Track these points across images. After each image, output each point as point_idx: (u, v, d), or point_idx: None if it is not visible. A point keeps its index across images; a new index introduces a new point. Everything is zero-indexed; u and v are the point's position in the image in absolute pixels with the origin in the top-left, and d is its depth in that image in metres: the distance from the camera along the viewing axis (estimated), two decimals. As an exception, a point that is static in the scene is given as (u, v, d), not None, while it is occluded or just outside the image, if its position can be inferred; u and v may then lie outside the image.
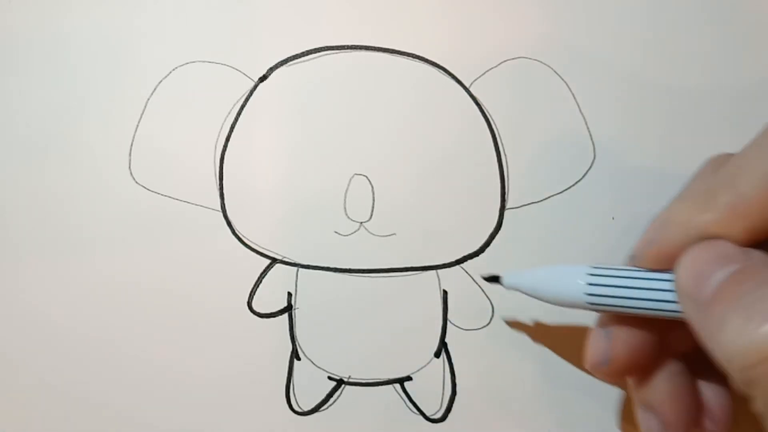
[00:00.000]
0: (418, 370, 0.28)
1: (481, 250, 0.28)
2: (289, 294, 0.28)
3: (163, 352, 0.28)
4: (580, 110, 0.29)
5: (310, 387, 0.28)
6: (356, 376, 0.28)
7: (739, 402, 0.21)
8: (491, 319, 0.28)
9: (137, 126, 0.29)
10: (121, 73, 0.29)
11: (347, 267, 0.28)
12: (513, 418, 0.28)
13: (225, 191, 0.29)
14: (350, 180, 0.28)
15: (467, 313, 0.28)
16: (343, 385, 0.28)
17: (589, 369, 0.24)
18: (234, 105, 0.29)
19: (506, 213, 0.28)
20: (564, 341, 0.28)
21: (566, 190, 0.29)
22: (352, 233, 0.28)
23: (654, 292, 0.21)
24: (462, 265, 0.28)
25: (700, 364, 0.23)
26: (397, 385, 0.28)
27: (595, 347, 0.23)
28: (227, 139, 0.29)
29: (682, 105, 0.29)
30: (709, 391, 0.24)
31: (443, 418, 0.28)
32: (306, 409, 0.28)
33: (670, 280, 0.21)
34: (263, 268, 0.28)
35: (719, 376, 0.23)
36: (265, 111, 0.29)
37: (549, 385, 0.28)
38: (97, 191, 0.28)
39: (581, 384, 0.28)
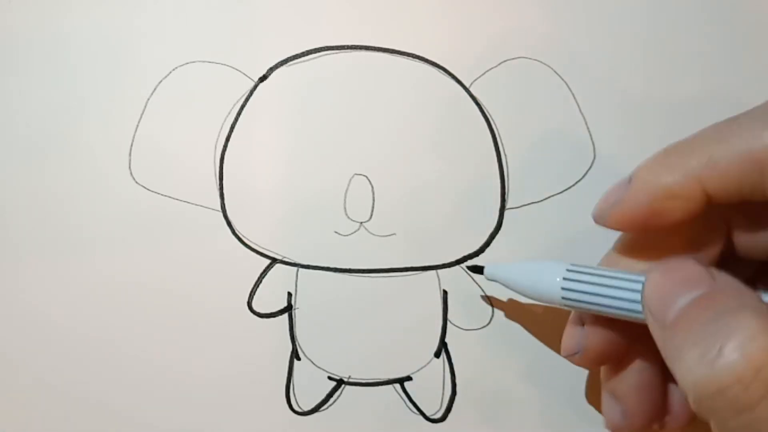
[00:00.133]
0: (418, 370, 0.28)
1: (481, 250, 0.28)
2: (289, 294, 0.28)
3: (163, 352, 0.28)
4: (580, 110, 0.29)
5: (310, 387, 0.28)
6: (356, 376, 0.28)
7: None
8: (491, 319, 0.28)
9: (137, 126, 0.29)
10: (121, 73, 0.29)
11: (347, 267, 0.28)
12: (513, 418, 0.28)
13: (225, 191, 0.29)
14: (350, 180, 0.28)
15: (467, 313, 0.28)
16: (343, 385, 0.28)
17: (562, 356, 0.25)
18: (234, 105, 0.29)
19: (506, 213, 0.28)
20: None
21: (566, 190, 0.29)
22: (352, 233, 0.28)
23: (627, 295, 0.21)
24: (462, 265, 0.28)
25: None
26: (397, 385, 0.28)
27: (570, 337, 0.24)
28: (227, 139, 0.29)
29: (682, 105, 0.29)
30: (676, 393, 0.24)
31: (443, 418, 0.28)
32: (306, 409, 0.28)
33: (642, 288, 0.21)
34: (263, 268, 0.28)
35: None
36: (265, 111, 0.29)
37: (549, 385, 0.28)
38: (97, 191, 0.28)
39: (581, 384, 0.28)
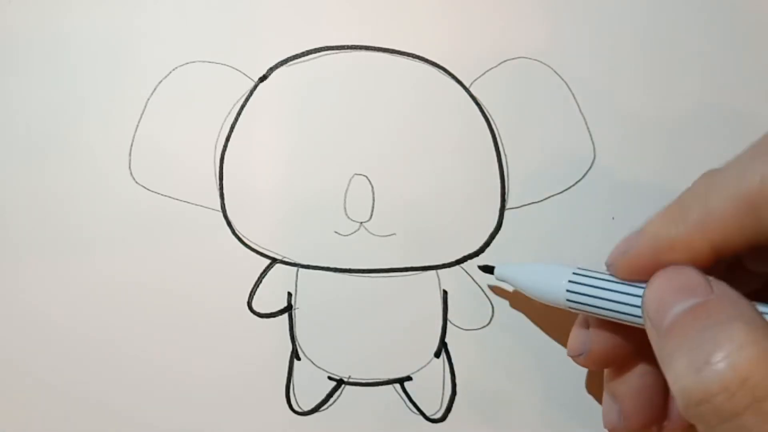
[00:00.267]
0: (418, 370, 0.28)
1: (481, 250, 0.28)
2: (289, 294, 0.28)
3: (163, 352, 0.28)
4: (580, 110, 0.29)
5: (310, 387, 0.28)
6: (356, 376, 0.28)
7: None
8: (491, 319, 0.28)
9: (137, 126, 0.29)
10: (121, 73, 0.29)
11: (347, 267, 0.28)
12: (513, 418, 0.28)
13: (225, 191, 0.29)
14: (350, 180, 0.28)
15: (467, 313, 0.28)
16: (343, 385, 0.28)
17: (568, 356, 0.25)
18: (234, 105, 0.29)
19: (506, 213, 0.28)
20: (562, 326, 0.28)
21: (566, 190, 0.29)
22: (352, 233, 0.28)
23: (629, 300, 0.22)
24: (462, 265, 0.28)
25: None
26: (397, 385, 0.28)
27: (575, 338, 0.25)
28: (227, 139, 0.29)
29: (682, 105, 0.29)
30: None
31: (443, 418, 0.28)
32: (306, 409, 0.28)
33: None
34: (263, 268, 0.28)
35: None
36: (265, 111, 0.29)
37: (549, 385, 0.28)
38: (97, 191, 0.28)
39: (581, 384, 0.28)
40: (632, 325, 0.22)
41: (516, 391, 0.28)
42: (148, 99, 0.29)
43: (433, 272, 0.29)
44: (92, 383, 0.28)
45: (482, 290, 0.28)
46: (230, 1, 0.29)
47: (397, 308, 0.28)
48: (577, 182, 0.29)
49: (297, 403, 0.28)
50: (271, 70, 0.29)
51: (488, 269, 0.27)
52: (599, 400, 0.28)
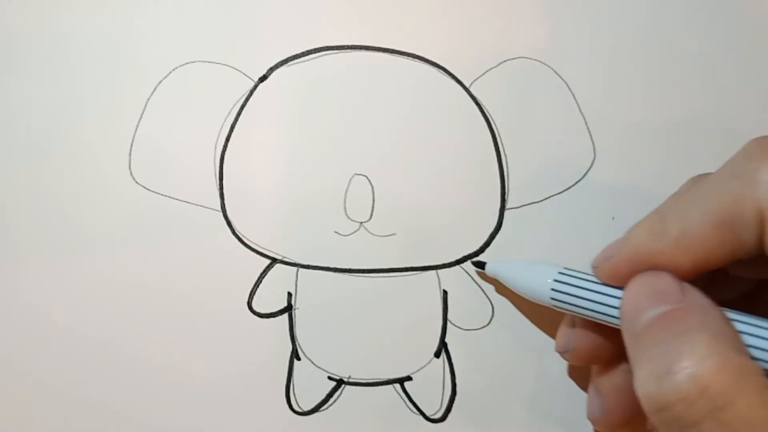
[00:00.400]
0: (418, 370, 0.28)
1: (481, 250, 0.28)
2: (289, 294, 0.28)
3: (163, 352, 0.28)
4: (580, 110, 0.29)
5: (310, 387, 0.28)
6: (356, 376, 0.28)
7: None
8: (491, 319, 0.28)
9: (137, 126, 0.29)
10: (121, 73, 0.29)
11: (347, 267, 0.28)
12: (513, 418, 0.28)
13: (225, 191, 0.29)
14: (350, 180, 0.28)
15: (467, 313, 0.28)
16: (343, 385, 0.28)
17: (556, 351, 0.26)
18: (234, 105, 0.29)
19: (506, 213, 0.28)
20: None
21: (566, 190, 0.29)
22: (352, 233, 0.28)
23: (610, 302, 0.22)
24: (462, 265, 0.28)
25: None
26: (397, 385, 0.28)
27: (562, 335, 0.26)
28: (227, 139, 0.29)
29: (682, 105, 0.29)
30: None
31: (443, 418, 0.28)
32: (306, 409, 0.28)
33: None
34: (263, 268, 0.28)
35: None
36: (265, 111, 0.29)
37: (549, 385, 0.28)
38: (97, 191, 0.28)
39: (581, 384, 0.28)
40: (612, 326, 0.23)
41: (516, 391, 0.28)
42: (148, 99, 0.29)
43: (433, 272, 0.29)
44: (92, 383, 0.28)
45: (482, 290, 0.28)
46: (230, 1, 0.29)
47: (397, 308, 0.28)
48: (577, 182, 0.29)
49: (297, 403, 0.28)
50: (271, 70, 0.29)
51: (480, 265, 0.27)
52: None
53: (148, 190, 0.28)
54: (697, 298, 0.20)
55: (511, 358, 0.28)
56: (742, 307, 0.24)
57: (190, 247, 0.28)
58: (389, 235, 0.28)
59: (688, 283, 0.21)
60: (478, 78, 0.29)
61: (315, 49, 0.29)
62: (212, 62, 0.29)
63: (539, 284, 0.24)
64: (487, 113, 0.29)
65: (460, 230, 0.28)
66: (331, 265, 0.28)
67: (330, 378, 0.28)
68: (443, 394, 0.28)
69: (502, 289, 0.28)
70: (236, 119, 0.29)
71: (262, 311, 0.28)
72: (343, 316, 0.28)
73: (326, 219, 0.28)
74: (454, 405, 0.28)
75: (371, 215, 0.28)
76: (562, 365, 0.28)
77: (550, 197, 0.29)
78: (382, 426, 0.28)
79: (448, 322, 0.28)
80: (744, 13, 0.29)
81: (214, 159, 0.29)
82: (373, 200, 0.28)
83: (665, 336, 0.19)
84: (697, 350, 0.18)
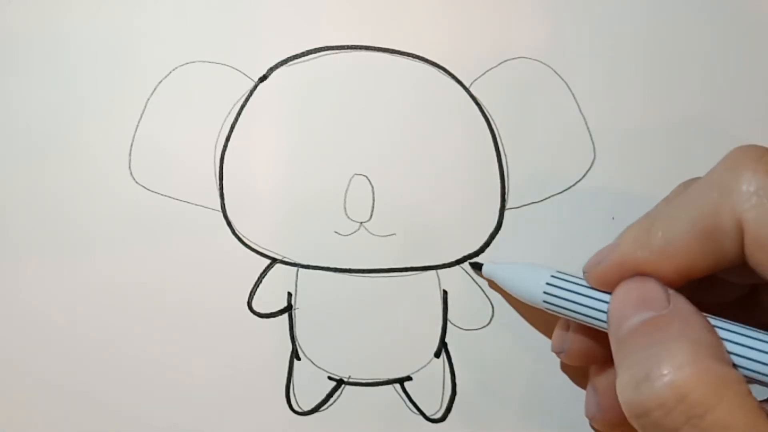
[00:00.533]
0: (418, 370, 0.28)
1: (481, 250, 0.28)
2: (289, 294, 0.28)
3: (163, 352, 0.28)
4: (580, 110, 0.29)
5: (310, 387, 0.28)
6: (356, 376, 0.28)
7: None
8: (491, 319, 0.28)
9: (137, 126, 0.29)
10: (121, 73, 0.29)
11: (347, 267, 0.28)
12: (513, 417, 0.28)
13: (225, 191, 0.29)
14: (350, 180, 0.28)
15: (467, 313, 0.28)
16: (343, 385, 0.28)
17: (551, 351, 0.26)
18: (234, 105, 0.29)
19: (506, 213, 0.28)
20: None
21: (566, 190, 0.29)
22: (352, 233, 0.28)
23: (599, 307, 0.23)
24: (462, 265, 0.28)
25: None
26: (397, 385, 0.28)
27: (557, 336, 0.26)
28: (227, 139, 0.29)
29: (681, 105, 0.29)
30: None
31: (443, 418, 0.28)
32: (306, 409, 0.28)
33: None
34: (263, 268, 0.28)
35: None
36: (265, 111, 0.29)
37: (549, 385, 0.28)
38: (97, 191, 0.28)
39: (580, 383, 0.28)
40: (602, 330, 0.23)
41: (516, 391, 0.28)
42: (148, 99, 0.29)
43: (433, 272, 0.29)
44: (92, 383, 0.28)
45: (482, 290, 0.28)
46: (230, 1, 0.29)
47: (397, 308, 0.28)
48: (577, 182, 0.29)
49: (297, 403, 0.28)
50: (271, 70, 0.29)
51: (477, 266, 0.28)
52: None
53: (148, 190, 0.28)
54: (681, 305, 0.20)
55: (511, 358, 0.28)
56: (739, 309, 0.24)
57: (190, 247, 0.28)
58: (389, 235, 0.28)
59: (674, 290, 0.21)
60: (478, 78, 0.29)
61: (315, 49, 0.29)
62: (212, 62, 0.29)
63: (533, 287, 0.25)
64: (487, 113, 0.29)
65: (460, 230, 0.28)
66: (331, 265, 0.28)
67: (330, 378, 0.28)
68: (443, 394, 0.28)
69: (496, 286, 0.28)
70: (236, 119, 0.29)
71: (262, 311, 0.28)
72: (343, 316, 0.28)
73: (326, 219, 0.28)
74: (454, 405, 0.28)
75: (371, 215, 0.28)
76: (561, 366, 0.28)
77: (550, 197, 0.29)
78: (382, 426, 0.28)
79: (448, 322, 0.28)
80: (744, 13, 0.29)
81: (214, 159, 0.29)
82: (373, 200, 0.28)
83: (647, 342, 0.19)
84: (677, 358, 0.18)
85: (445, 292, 0.29)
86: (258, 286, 0.28)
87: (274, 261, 0.28)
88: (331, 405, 0.28)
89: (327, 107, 0.29)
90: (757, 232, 0.19)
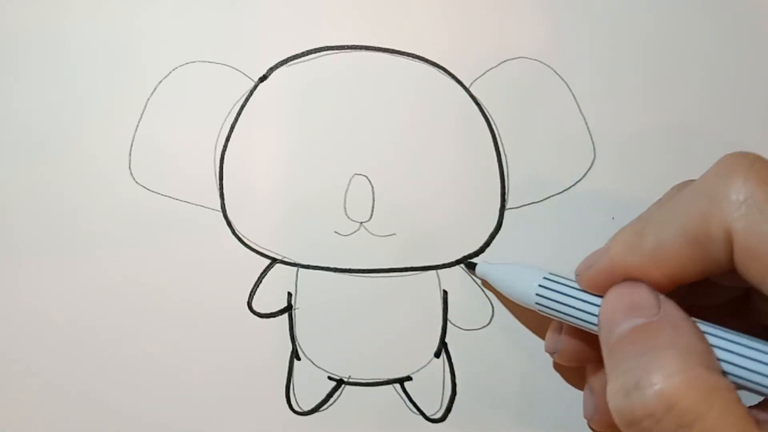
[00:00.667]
0: (418, 370, 0.28)
1: (481, 250, 0.28)
2: (289, 294, 0.29)
3: (163, 351, 0.28)
4: (580, 110, 0.29)
5: (310, 387, 0.28)
6: (356, 376, 0.28)
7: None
8: (491, 319, 0.28)
9: (137, 126, 0.29)
10: (121, 73, 0.29)
11: (347, 267, 0.28)
12: (513, 418, 0.28)
13: (225, 191, 0.29)
14: (350, 180, 0.28)
15: (467, 313, 0.28)
16: (343, 385, 0.28)
17: (545, 351, 0.27)
18: (234, 105, 0.29)
19: (506, 213, 0.28)
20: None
21: (566, 190, 0.29)
22: (352, 233, 0.28)
23: (591, 310, 0.23)
24: (462, 265, 0.28)
25: None
26: (397, 385, 0.28)
27: (550, 337, 0.26)
28: (227, 139, 0.29)
29: (682, 105, 0.29)
30: None
31: (443, 418, 0.28)
32: (306, 409, 0.28)
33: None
34: (263, 268, 0.28)
35: None
36: (265, 111, 0.29)
37: (548, 385, 0.28)
38: (97, 191, 0.28)
39: (579, 384, 0.28)
40: (594, 333, 0.23)
41: (516, 391, 0.28)
42: (148, 99, 0.29)
43: (433, 272, 0.29)
44: (92, 383, 0.28)
45: (482, 290, 0.28)
46: (230, 1, 0.29)
47: (397, 308, 0.28)
48: (577, 182, 0.29)
49: (297, 403, 0.28)
50: (271, 70, 0.29)
51: (471, 266, 0.28)
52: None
53: (148, 190, 0.28)
54: (671, 311, 0.20)
55: (510, 359, 0.28)
56: (732, 312, 0.24)
57: (190, 247, 0.28)
58: (389, 235, 0.28)
59: (664, 296, 0.21)
60: (478, 78, 0.29)
61: (315, 49, 0.29)
62: (212, 62, 0.29)
63: (526, 288, 0.25)
64: (487, 113, 0.29)
65: (460, 230, 0.28)
66: (331, 265, 0.28)
67: (330, 378, 0.28)
68: (443, 394, 0.28)
69: (490, 286, 0.28)
70: (236, 119, 0.29)
71: (262, 311, 0.28)
72: (343, 316, 0.28)
73: (326, 219, 0.28)
74: (454, 405, 0.28)
75: (371, 215, 0.28)
76: (561, 365, 0.28)
77: (550, 197, 0.29)
78: (382, 426, 0.28)
79: (448, 322, 0.28)
80: (744, 13, 0.29)
81: (214, 159, 0.29)
82: (373, 200, 0.28)
83: (637, 350, 0.19)
84: (666, 366, 0.18)
85: (445, 292, 0.29)
86: (258, 286, 0.28)
87: (274, 261, 0.28)
88: (331, 405, 0.28)
89: (327, 107, 0.29)
90: (746, 241, 0.19)
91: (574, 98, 0.29)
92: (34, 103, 0.29)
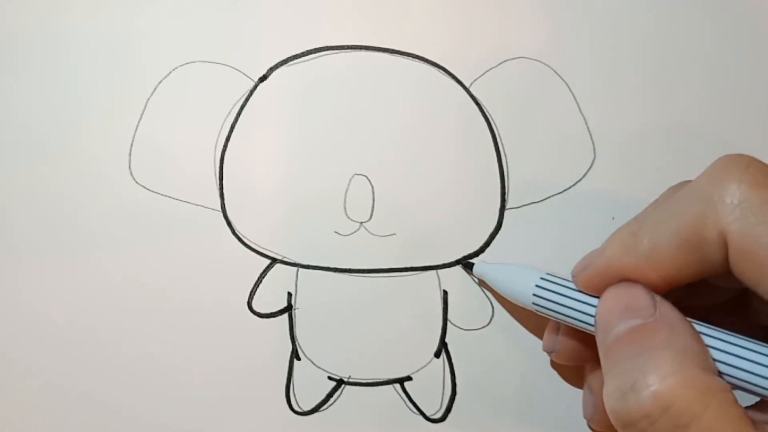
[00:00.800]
0: (418, 370, 0.28)
1: (481, 250, 0.28)
2: (289, 294, 0.29)
3: (163, 351, 0.28)
4: (580, 110, 0.29)
5: (310, 387, 0.28)
6: (356, 376, 0.28)
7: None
8: (491, 319, 0.28)
9: (137, 126, 0.29)
10: (121, 73, 0.29)
11: (347, 267, 0.28)
12: (513, 418, 0.28)
13: (225, 191, 0.29)
14: (350, 180, 0.28)
15: (467, 313, 0.28)
16: (343, 385, 0.28)
17: (543, 350, 0.27)
18: (234, 105, 0.29)
19: (506, 213, 0.28)
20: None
21: (566, 190, 0.29)
22: (352, 233, 0.28)
23: (587, 310, 0.23)
24: (461, 265, 0.28)
25: None
26: (397, 385, 0.28)
27: (547, 336, 0.26)
28: (227, 139, 0.29)
29: (682, 105, 0.29)
30: None
31: (443, 418, 0.28)
32: (306, 409, 0.28)
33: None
34: (263, 268, 0.28)
35: None
36: (265, 111, 0.29)
37: (548, 385, 0.28)
38: (97, 191, 0.28)
39: (580, 384, 0.28)
40: (591, 333, 0.23)
41: (516, 391, 0.28)
42: (148, 99, 0.29)
43: (433, 272, 0.29)
44: (92, 383, 0.28)
45: (482, 290, 0.28)
46: (230, 1, 0.29)
47: (397, 308, 0.28)
48: (577, 182, 0.29)
49: (297, 403, 0.28)
50: (271, 70, 0.29)
51: (469, 266, 0.28)
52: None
53: (148, 190, 0.28)
54: (667, 312, 0.20)
55: (510, 358, 0.28)
56: (729, 312, 0.24)
57: (190, 247, 0.28)
58: (389, 235, 0.28)
59: (660, 296, 0.21)
60: (478, 78, 0.29)
61: (315, 49, 0.29)
62: (212, 62, 0.29)
63: (523, 288, 0.25)
64: (487, 113, 0.29)
65: (460, 230, 0.28)
66: (331, 265, 0.28)
67: (330, 378, 0.28)
68: (443, 394, 0.28)
69: (488, 285, 0.28)
70: (236, 119, 0.29)
71: (262, 311, 0.28)
72: (343, 316, 0.28)
73: (326, 219, 0.28)
74: (454, 405, 0.28)
75: (371, 215, 0.28)
76: (561, 365, 0.28)
77: (550, 197, 0.29)
78: (382, 426, 0.28)
79: (448, 322, 0.28)
80: (744, 13, 0.29)
81: (214, 159, 0.29)
82: (373, 200, 0.28)
83: (633, 351, 0.20)
84: (662, 368, 0.19)
85: (445, 292, 0.29)
86: (258, 286, 0.28)
87: (274, 261, 0.28)
88: (331, 405, 0.28)
89: (327, 107, 0.29)
90: (741, 244, 0.19)
91: (574, 98, 0.29)
92: (34, 103, 0.29)
